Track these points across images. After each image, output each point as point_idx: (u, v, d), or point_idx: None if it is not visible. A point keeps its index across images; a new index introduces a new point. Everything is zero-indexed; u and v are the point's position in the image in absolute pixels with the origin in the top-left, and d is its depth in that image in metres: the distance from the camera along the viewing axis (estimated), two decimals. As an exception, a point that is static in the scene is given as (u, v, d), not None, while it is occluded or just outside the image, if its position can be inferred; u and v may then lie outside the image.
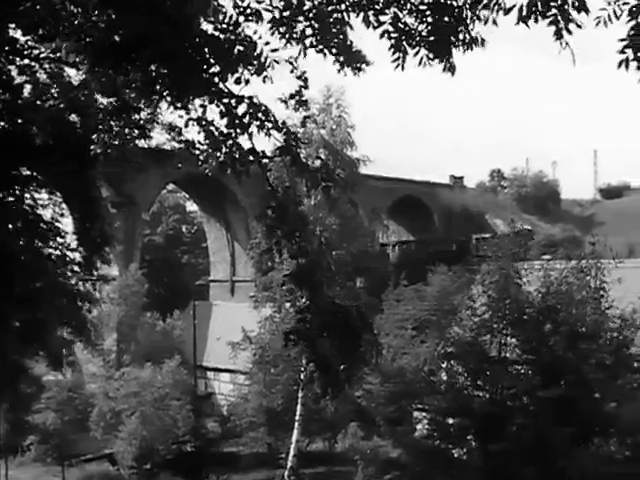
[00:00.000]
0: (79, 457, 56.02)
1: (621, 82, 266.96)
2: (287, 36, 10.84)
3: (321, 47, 11.01)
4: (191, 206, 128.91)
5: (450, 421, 33.61)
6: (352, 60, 11.39)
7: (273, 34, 10.96)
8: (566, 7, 8.68)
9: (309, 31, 10.76)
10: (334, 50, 11.14)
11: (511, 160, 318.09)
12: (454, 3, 9.77)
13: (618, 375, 31.01)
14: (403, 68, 10.07)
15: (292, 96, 12.54)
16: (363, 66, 11.65)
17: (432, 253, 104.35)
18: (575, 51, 8.94)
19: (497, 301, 32.61)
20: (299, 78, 12.40)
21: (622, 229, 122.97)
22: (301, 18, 10.64)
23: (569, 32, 8.88)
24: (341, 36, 10.80)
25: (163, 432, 51.43)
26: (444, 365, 37.58)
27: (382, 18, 9.98)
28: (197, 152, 12.34)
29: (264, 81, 11.54)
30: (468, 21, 9.80)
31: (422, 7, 9.84)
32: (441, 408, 33.41)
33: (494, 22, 9.46)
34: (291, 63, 12.03)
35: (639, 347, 31.35)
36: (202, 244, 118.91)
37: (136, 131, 14.99)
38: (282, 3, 10.77)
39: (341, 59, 11.31)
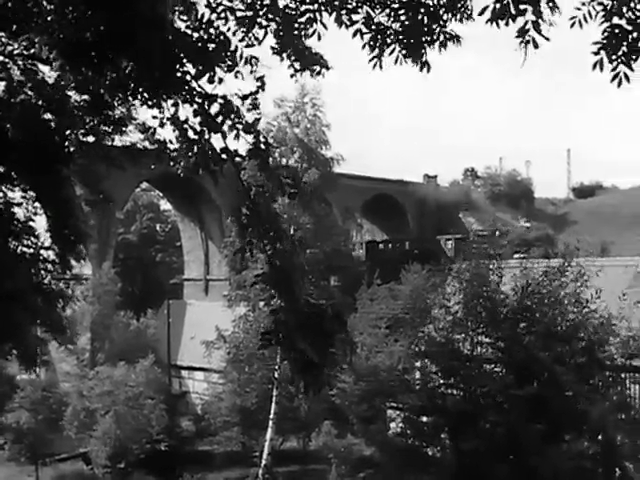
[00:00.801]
0: (53, 456, 55.89)
1: (594, 83, 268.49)
2: (249, 37, 10.83)
3: (278, 50, 11.01)
4: (165, 205, 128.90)
5: (424, 419, 33.66)
6: (310, 63, 11.37)
7: (240, 32, 10.94)
8: (538, 8, 8.74)
9: (270, 33, 10.76)
10: (291, 54, 11.12)
11: (485, 159, 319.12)
12: (428, 2, 9.79)
13: (591, 374, 31.19)
14: (381, 67, 10.09)
15: (246, 97, 12.48)
16: (323, 70, 11.63)
17: (406, 252, 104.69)
18: (549, 53, 9.02)
19: (471, 300, 32.68)
20: (258, 79, 12.36)
21: (595, 228, 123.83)
22: (263, 21, 10.65)
23: (543, 36, 8.93)
24: (299, 39, 10.79)
25: (137, 431, 51.36)
26: (418, 364, 37.65)
27: (354, 17, 10.00)
28: (170, 151, 12.32)
29: (236, 76, 11.53)
30: (444, 18, 9.82)
31: (395, 5, 9.84)
32: (415, 406, 33.45)
33: (470, 17, 9.50)
34: (250, 64, 12.02)
35: (613, 345, 31.50)
36: (176, 243, 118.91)
37: (110, 129, 14.99)
38: (253, 2, 10.76)
39: (297, 63, 11.30)
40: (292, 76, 11.62)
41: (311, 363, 13.32)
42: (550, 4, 8.73)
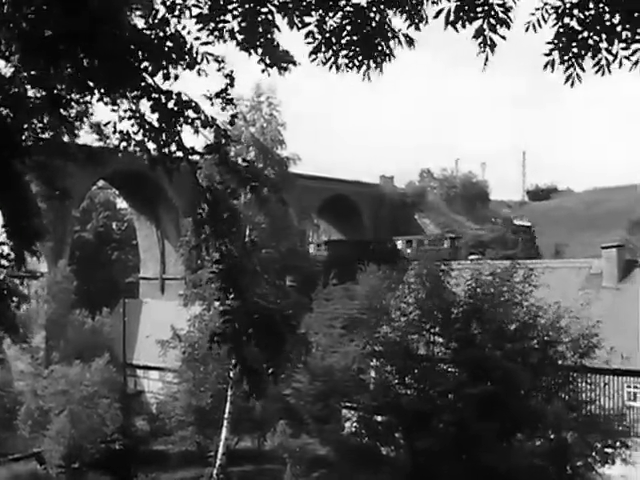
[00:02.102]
0: (6, 456, 55.26)
1: (549, 86, 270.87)
2: (216, 33, 10.82)
3: (247, 46, 11.01)
4: (121, 203, 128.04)
5: (378, 419, 33.82)
6: (278, 59, 11.39)
7: (202, 30, 10.94)
8: (492, 12, 8.84)
9: (237, 28, 10.76)
10: (260, 49, 11.13)
11: (441, 160, 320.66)
12: (376, 15, 9.83)
13: (543, 373, 31.53)
14: (337, 69, 10.10)
15: (217, 94, 12.50)
16: (290, 66, 11.65)
17: (361, 252, 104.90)
18: (503, 57, 9.14)
19: (425, 300, 32.92)
20: (227, 76, 12.38)
21: (549, 230, 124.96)
22: (229, 17, 10.65)
23: (500, 35, 9.03)
24: (268, 35, 10.80)
25: (92, 431, 51.02)
26: (373, 363, 37.85)
27: (307, 20, 10.02)
28: (132, 144, 12.30)
29: (199, 74, 11.54)
30: (394, 29, 9.86)
31: (347, 11, 9.88)
32: (369, 406, 33.61)
33: (423, 20, 9.57)
34: (218, 61, 12.04)
35: (564, 344, 31.87)
36: (132, 241, 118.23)
37: (66, 125, 14.93)
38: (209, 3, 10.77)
39: (266, 59, 11.31)
40: (263, 71, 11.63)
41: (255, 367, 13.35)
42: (503, 8, 8.83)
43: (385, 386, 33.93)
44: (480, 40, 8.96)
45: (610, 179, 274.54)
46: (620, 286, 53.82)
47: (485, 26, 8.88)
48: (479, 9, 8.87)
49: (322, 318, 59.55)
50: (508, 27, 8.94)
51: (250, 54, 11.19)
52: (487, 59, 9.06)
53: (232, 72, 12.36)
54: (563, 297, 34.54)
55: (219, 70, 12.22)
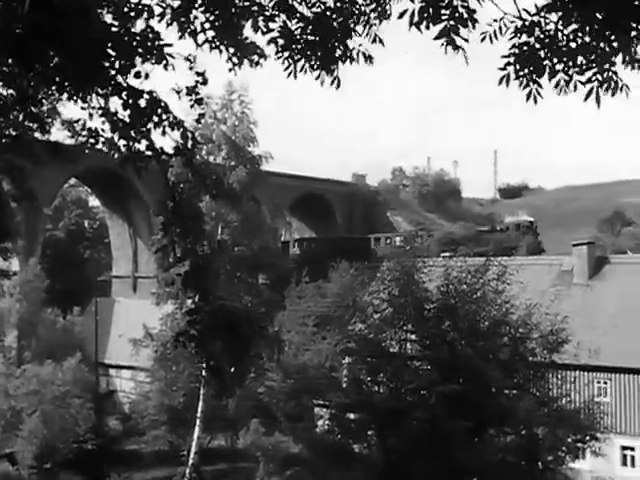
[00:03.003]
0: (-21, 457, 55.00)
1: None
2: (184, 29, 10.79)
3: (217, 43, 10.99)
4: (94, 201, 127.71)
5: (351, 416, 33.84)
6: (248, 53, 11.35)
7: (170, 25, 10.90)
8: (456, 14, 8.86)
9: (207, 25, 10.74)
10: (231, 44, 11.10)
11: (413, 159, 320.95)
12: (339, 18, 9.85)
13: (514, 369, 31.67)
14: (296, 77, 10.13)
15: (189, 92, 12.46)
16: (260, 60, 11.61)
17: (334, 250, 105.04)
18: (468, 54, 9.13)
19: (398, 298, 32.93)
20: (199, 75, 12.34)
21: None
22: (199, 13, 10.64)
23: (462, 37, 9.05)
24: (238, 30, 10.78)
25: (64, 431, 50.86)
26: (345, 361, 37.87)
27: (271, 25, 10.03)
28: (100, 141, 12.24)
29: (165, 68, 11.47)
30: (358, 31, 9.88)
31: (309, 16, 9.90)
32: (342, 404, 33.61)
33: (376, 40, 9.63)
34: (189, 60, 12.01)
35: (534, 340, 32.06)
36: (104, 239, 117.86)
37: (36, 124, 14.86)
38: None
39: (237, 54, 11.27)
40: (234, 66, 11.56)
41: (221, 368, 13.33)
42: (467, 10, 8.85)
43: (358, 384, 33.94)
44: (444, 41, 8.98)
45: (580, 178, 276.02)
46: (590, 283, 54.30)
47: (449, 28, 8.90)
48: (443, 11, 8.89)
49: (295, 316, 59.67)
50: (474, 25, 8.95)
51: (221, 52, 11.17)
52: (467, 59, 9.10)
53: (205, 71, 12.33)
54: (535, 294, 34.74)
55: (191, 69, 12.18)
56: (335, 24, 9.86)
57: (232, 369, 13.75)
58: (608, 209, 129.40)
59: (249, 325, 13.57)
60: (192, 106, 12.67)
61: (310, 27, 9.91)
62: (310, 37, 9.94)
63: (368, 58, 10.06)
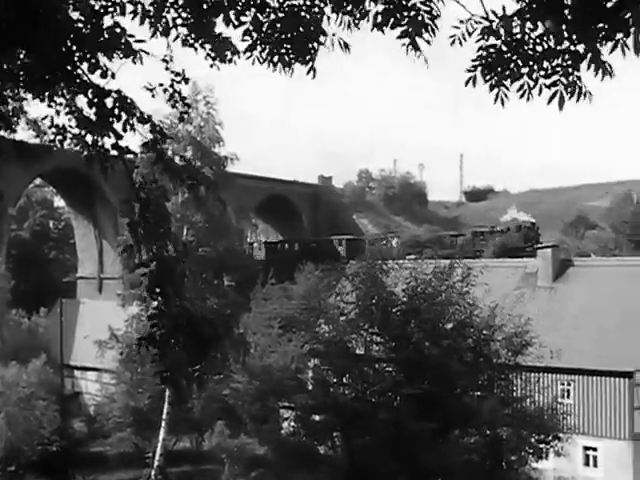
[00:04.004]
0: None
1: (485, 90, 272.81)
2: (156, 27, 10.77)
3: (192, 41, 10.98)
4: (59, 201, 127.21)
5: (316, 418, 33.91)
6: (223, 50, 11.33)
7: (142, 24, 10.87)
8: (419, 19, 8.91)
9: (179, 21, 10.73)
10: (205, 41, 11.09)
11: (379, 161, 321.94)
12: (315, 9, 9.87)
13: (479, 370, 31.88)
14: (275, 65, 10.10)
15: (171, 96, 12.43)
16: (234, 57, 11.58)
17: (300, 252, 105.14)
18: (434, 58, 9.21)
19: (364, 300, 33.02)
20: (177, 74, 12.31)
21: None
22: (171, 11, 10.63)
23: (424, 39, 9.11)
24: (211, 27, 10.78)
25: (28, 433, 50.52)
26: (311, 363, 37.94)
27: (243, 18, 10.02)
28: (68, 137, 12.18)
29: (134, 62, 11.41)
30: (331, 25, 9.90)
31: (281, 10, 9.92)
32: (307, 405, 33.67)
33: (355, 26, 9.62)
34: (165, 61, 11.98)
35: (498, 342, 32.29)
36: (70, 240, 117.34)
37: (2, 122, 14.77)
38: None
39: (212, 51, 11.26)
40: (211, 66, 11.53)
41: (180, 372, 13.32)
42: (430, 16, 8.91)
43: (323, 385, 34.02)
44: (405, 42, 9.04)
45: (544, 182, 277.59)
46: (554, 285, 54.73)
47: (410, 30, 8.96)
48: (405, 13, 8.94)
49: (260, 318, 59.67)
50: (434, 32, 9.02)
51: (196, 49, 11.17)
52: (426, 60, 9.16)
53: (183, 70, 12.31)
54: (500, 296, 34.99)
55: (167, 69, 12.16)
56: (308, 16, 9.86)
57: (192, 374, 13.70)
58: (572, 213, 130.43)
59: (213, 328, 13.53)
60: (173, 106, 12.66)
61: (282, 20, 9.91)
62: (283, 29, 9.93)
63: (345, 46, 10.04)
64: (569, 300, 52.84)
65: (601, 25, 7.75)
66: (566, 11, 8.04)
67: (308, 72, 10.17)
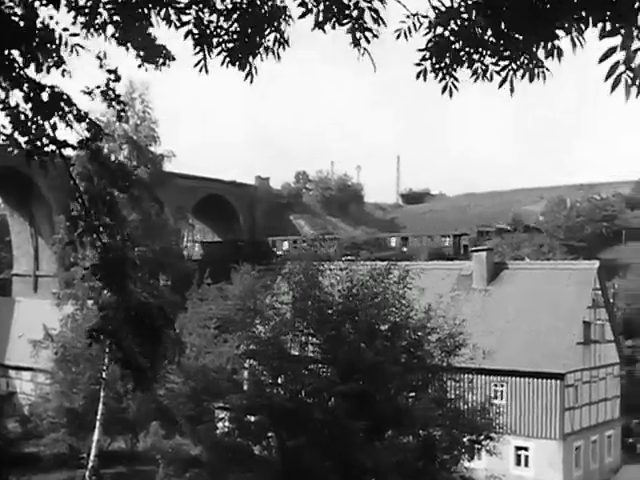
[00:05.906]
0: None
1: (427, 90, 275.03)
2: (88, 26, 10.73)
3: (123, 40, 10.96)
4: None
5: (251, 419, 33.95)
6: (154, 55, 11.35)
7: (75, 23, 10.84)
8: (363, 18, 9.00)
9: (111, 21, 10.70)
10: (136, 44, 11.08)
11: (316, 163, 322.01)
12: (255, 8, 9.87)
13: (412, 371, 32.16)
14: (207, 71, 10.07)
15: (104, 93, 12.38)
16: (167, 62, 11.60)
17: (236, 252, 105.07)
18: (375, 57, 9.29)
19: (299, 301, 33.14)
20: (110, 72, 12.27)
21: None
22: (103, 10, 10.60)
23: (367, 41, 9.19)
24: (143, 30, 10.76)
25: (-38, 433, 49.99)
26: (246, 364, 37.97)
27: (184, 18, 9.99)
28: (2, 139, 12.09)
29: (63, 75, 11.38)
30: (275, 24, 9.91)
31: (223, 9, 9.90)
32: (242, 406, 33.67)
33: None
34: (99, 58, 11.96)
35: (432, 344, 32.61)
36: (5, 237, 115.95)
37: None
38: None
39: (142, 54, 11.26)
40: (139, 66, 11.52)
41: (137, 363, 13.29)
42: (374, 15, 8.99)
43: (258, 386, 34.08)
44: (351, 39, 9.13)
45: (479, 185, 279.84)
46: (489, 288, 55.41)
47: (354, 29, 9.04)
48: (347, 12, 9.02)
49: (196, 318, 59.53)
50: (377, 35, 9.11)
51: (128, 49, 11.17)
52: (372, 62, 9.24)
53: (117, 68, 12.27)
54: (435, 298, 35.33)
55: (101, 67, 12.11)
56: (249, 17, 9.85)
57: (151, 358, 13.70)
58: (507, 216, 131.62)
59: (164, 314, 13.53)
60: (110, 105, 12.63)
61: (224, 19, 9.90)
62: (225, 29, 9.91)
63: (285, 42, 10.03)
64: (503, 302, 53.53)
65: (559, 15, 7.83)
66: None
67: (246, 77, 10.16)
